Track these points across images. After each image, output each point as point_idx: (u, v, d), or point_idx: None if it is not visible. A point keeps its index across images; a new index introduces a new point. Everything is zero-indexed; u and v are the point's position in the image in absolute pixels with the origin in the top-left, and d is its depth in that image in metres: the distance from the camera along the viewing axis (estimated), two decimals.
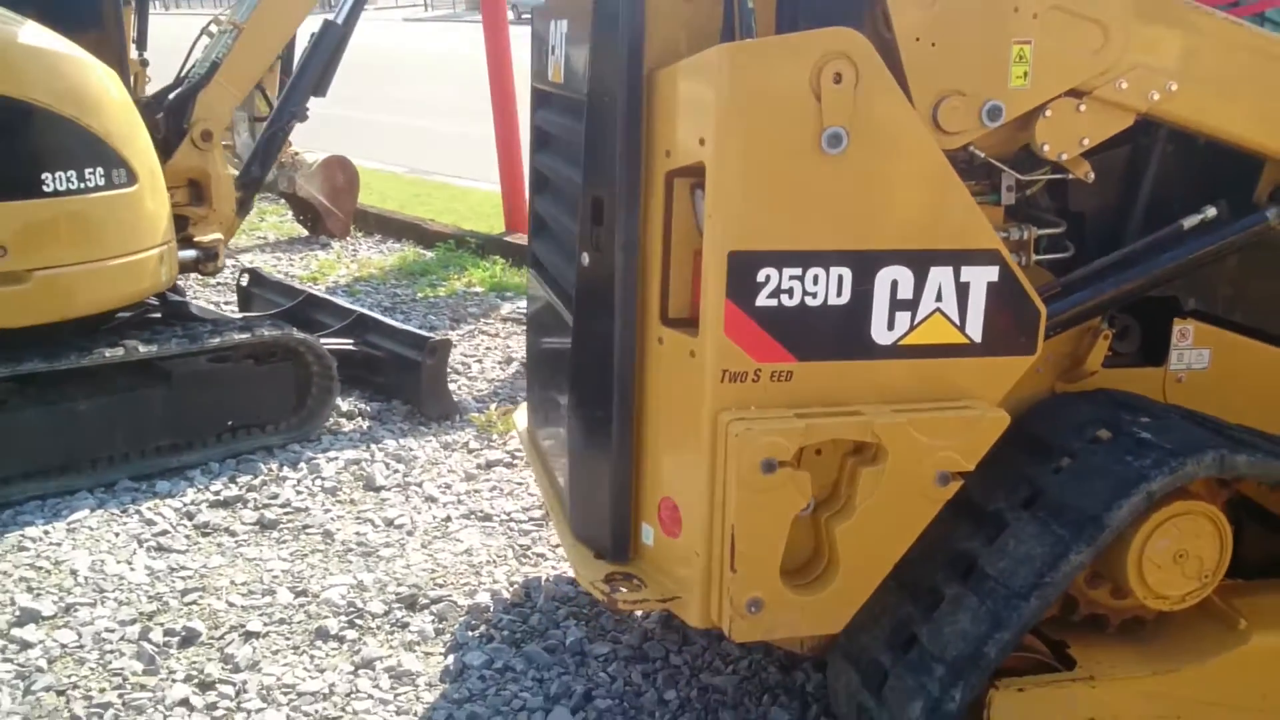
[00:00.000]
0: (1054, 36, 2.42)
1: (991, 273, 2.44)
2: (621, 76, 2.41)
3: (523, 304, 7.59)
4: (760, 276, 2.33)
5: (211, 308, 6.28)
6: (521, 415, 3.74)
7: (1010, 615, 2.40)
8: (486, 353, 6.62)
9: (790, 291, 2.35)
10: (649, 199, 2.48)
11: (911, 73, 2.36)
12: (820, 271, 2.35)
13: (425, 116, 16.55)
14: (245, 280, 6.87)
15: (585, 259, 2.63)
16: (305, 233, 9.91)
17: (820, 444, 2.41)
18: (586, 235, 2.60)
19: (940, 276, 2.42)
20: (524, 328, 7.11)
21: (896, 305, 2.41)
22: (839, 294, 2.38)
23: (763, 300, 2.34)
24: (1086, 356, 2.78)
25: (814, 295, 2.36)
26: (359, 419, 5.47)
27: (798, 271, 2.34)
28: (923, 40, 2.36)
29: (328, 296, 6.41)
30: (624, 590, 2.64)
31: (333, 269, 8.81)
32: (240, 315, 5.50)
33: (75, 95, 4.38)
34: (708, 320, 2.36)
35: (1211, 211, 2.71)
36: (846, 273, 2.36)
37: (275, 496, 4.60)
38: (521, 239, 9.05)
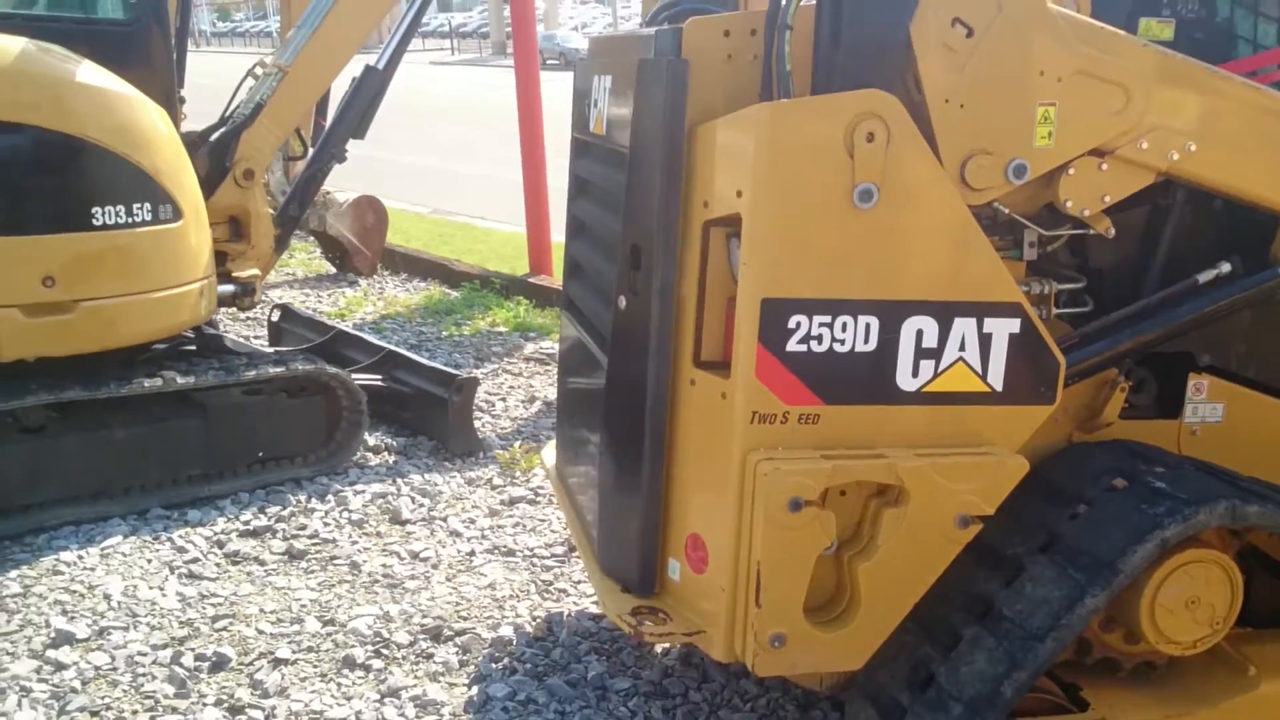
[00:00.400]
0: (1077, 99, 2.54)
1: (1013, 325, 2.54)
2: (664, 130, 2.54)
3: (546, 344, 7.72)
4: (791, 323, 2.44)
5: (243, 341, 6.41)
6: (549, 452, 3.83)
7: (1026, 656, 2.48)
8: (510, 391, 6.73)
9: (820, 338, 2.46)
10: (686, 247, 2.60)
11: (941, 132, 2.48)
12: (849, 319, 2.46)
13: (450, 158, 16.81)
14: (276, 315, 7.02)
15: (622, 302, 2.74)
16: (333, 270, 10.08)
17: (845, 485, 2.51)
18: (625, 280, 2.71)
19: (964, 327, 2.52)
20: (547, 367, 7.25)
21: (921, 353, 2.51)
22: (866, 341, 2.48)
23: (793, 345, 2.45)
24: (1104, 408, 2.87)
25: (842, 342, 2.47)
26: (385, 454, 5.58)
27: (827, 319, 2.45)
28: (952, 102, 2.48)
29: (357, 333, 6.55)
30: (649, 623, 2.72)
31: (360, 306, 8.96)
32: (273, 349, 5.63)
33: (127, 132, 4.55)
34: (740, 363, 2.47)
35: (1226, 267, 2.81)
36: (874, 321, 2.47)
37: (304, 527, 4.70)
38: (545, 281, 9.20)
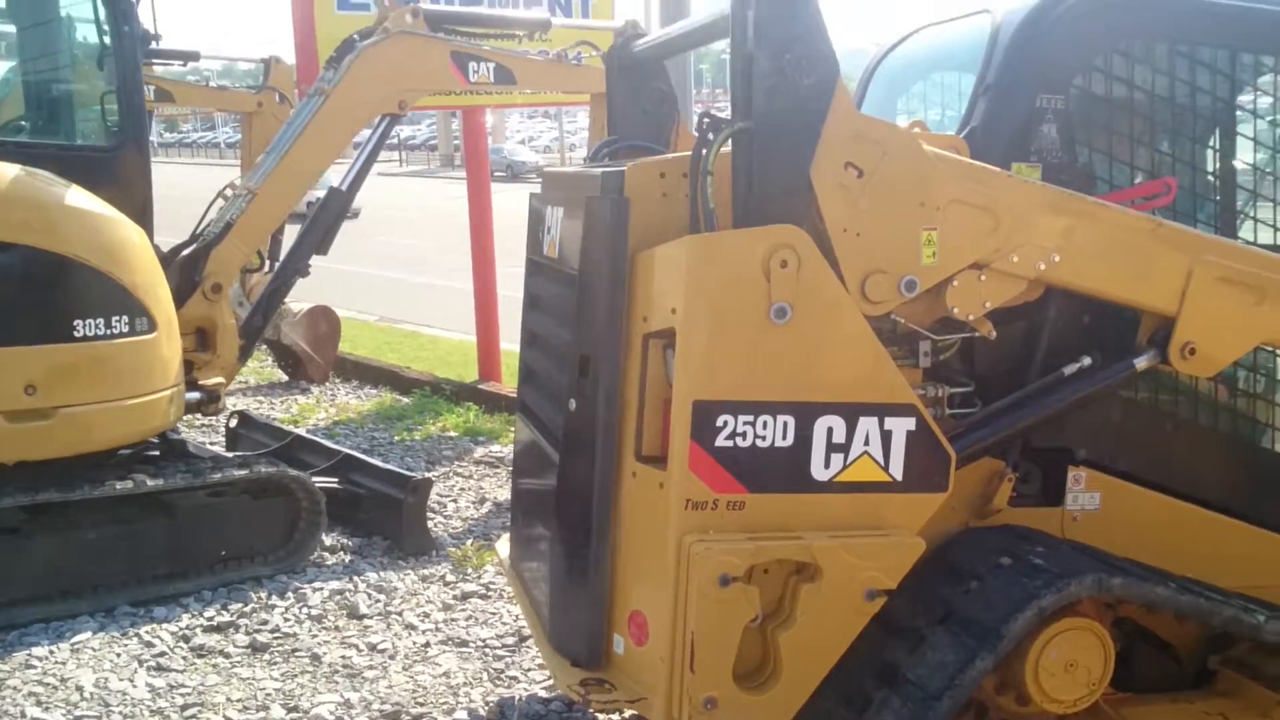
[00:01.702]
0: (955, 223, 2.96)
1: (910, 423, 2.94)
2: (609, 257, 2.95)
3: (495, 448, 8.05)
4: (720, 421, 2.82)
5: (204, 446, 6.67)
6: (504, 545, 4.15)
7: (928, 714, 2.83)
8: (461, 493, 7.03)
9: (744, 434, 2.84)
10: (628, 356, 2.99)
11: (842, 257, 2.90)
12: (769, 418, 2.85)
13: (397, 268, 17.22)
14: (234, 421, 7.30)
15: (573, 404, 3.12)
16: (285, 378, 10.36)
17: (767, 563, 2.86)
18: (575, 385, 3.09)
19: (868, 425, 2.91)
20: (496, 470, 7.57)
21: (832, 448, 2.89)
22: (784, 437, 2.86)
23: (721, 441, 2.82)
24: (994, 497, 3.27)
25: (764, 438, 2.85)
26: (342, 553, 5.83)
27: (750, 418, 2.84)
28: (849, 231, 2.91)
29: (314, 438, 6.84)
30: (596, 693, 3.04)
31: (312, 412, 9.24)
32: (234, 454, 5.90)
33: (109, 251, 4.89)
34: (675, 457, 2.84)
35: (1087, 360, 3.22)
36: (791, 420, 2.86)
37: (265, 622, 4.94)
38: (495, 387, 9.56)
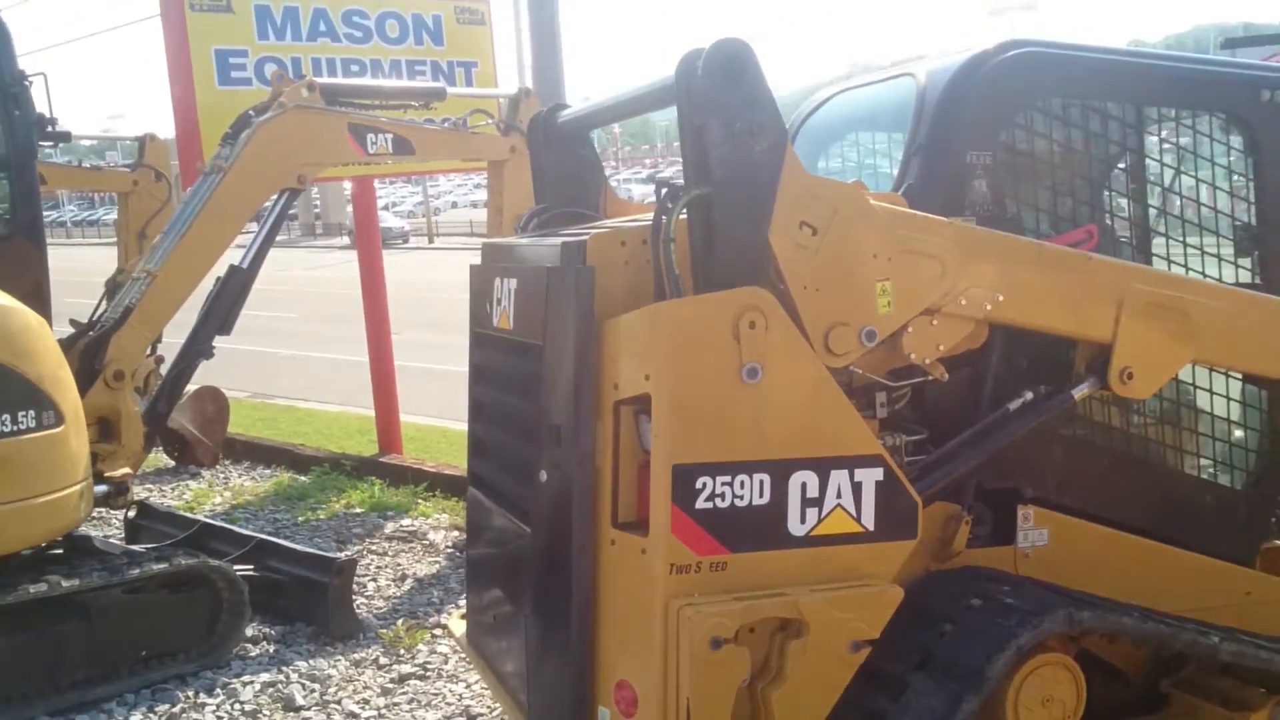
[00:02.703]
0: (905, 273, 3.08)
1: (878, 473, 3.02)
2: (576, 327, 2.96)
3: (405, 522, 7.89)
4: (699, 484, 2.84)
5: (110, 541, 6.36)
6: (456, 624, 4.07)
7: None
8: (379, 571, 6.85)
9: (723, 495, 2.87)
10: (600, 424, 2.99)
11: (804, 312, 2.97)
12: (746, 477, 2.88)
13: (262, 341, 16.76)
14: (133, 512, 6.98)
15: (543, 476, 3.10)
16: (172, 463, 9.97)
17: (754, 622, 2.89)
18: (546, 456, 3.08)
19: (839, 478, 2.98)
20: (410, 545, 7.42)
21: (807, 503, 2.95)
22: (761, 495, 2.90)
23: (701, 503, 2.85)
24: (953, 539, 3.37)
25: (741, 497, 2.89)
26: (265, 642, 5.62)
27: (728, 478, 2.87)
28: (809, 287, 2.99)
29: (222, 524, 6.60)
30: None
31: (207, 498, 8.91)
32: (148, 547, 5.65)
33: (10, 342, 4.66)
34: (657, 522, 2.85)
35: (1029, 395, 3.37)
36: (766, 478, 2.90)
37: None
38: (398, 460, 9.38)
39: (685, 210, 2.91)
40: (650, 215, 3.01)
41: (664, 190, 2.95)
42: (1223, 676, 3.54)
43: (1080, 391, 3.37)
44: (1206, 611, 3.54)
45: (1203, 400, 3.78)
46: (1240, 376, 3.78)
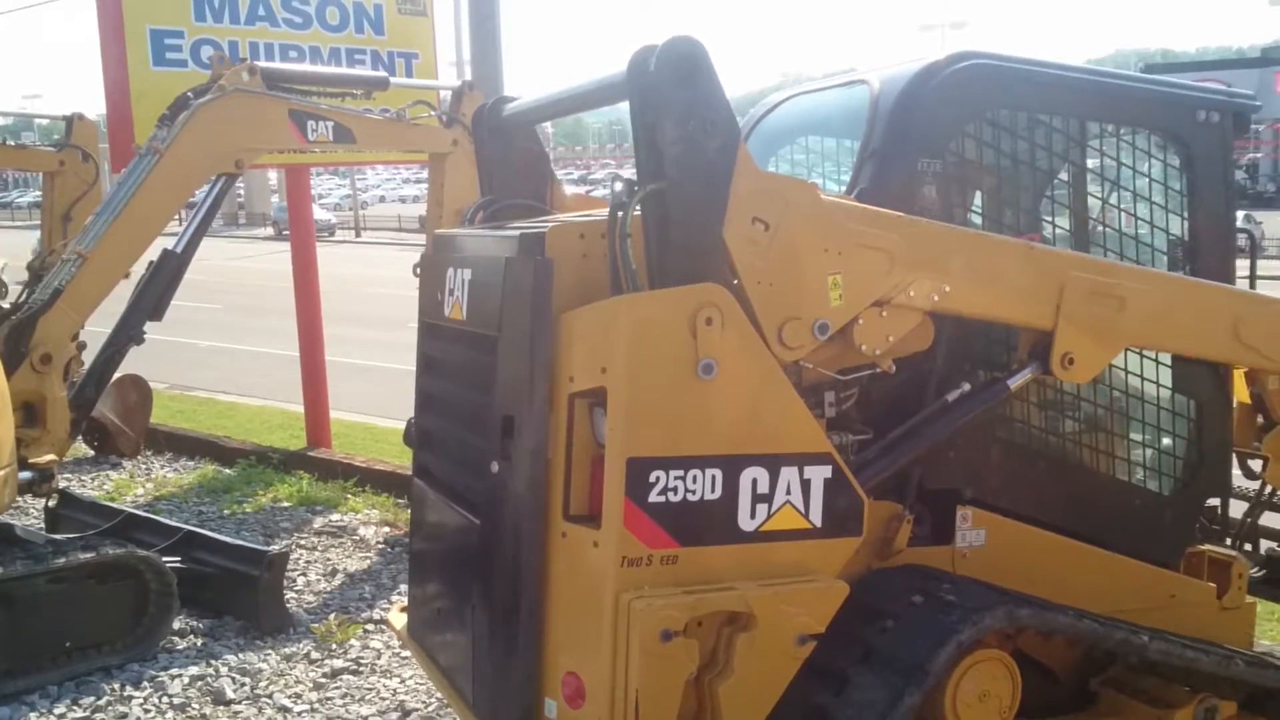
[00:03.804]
0: (855, 266, 3.12)
1: (826, 471, 3.06)
2: (531, 318, 2.96)
3: (335, 517, 7.80)
4: (652, 477, 2.86)
5: (33, 530, 6.19)
6: (397, 616, 4.04)
7: None
8: (308, 565, 6.76)
9: (675, 489, 2.89)
10: (553, 416, 3.00)
11: (759, 307, 3.00)
12: (699, 472, 2.91)
13: (183, 331, 16.41)
14: (54, 501, 6.79)
15: (495, 467, 3.09)
16: (92, 453, 9.72)
17: (703, 616, 2.91)
18: (498, 447, 3.07)
19: (789, 475, 3.02)
20: (340, 540, 7.33)
21: (757, 498, 2.98)
22: (713, 490, 2.93)
23: (654, 497, 2.87)
24: (895, 538, 3.43)
25: (694, 492, 2.91)
26: (193, 636, 5.52)
27: (681, 472, 2.89)
28: (763, 282, 3.02)
29: (149, 515, 6.46)
30: None
31: (129, 489, 8.71)
32: (72, 536, 5.50)
33: None
34: (609, 515, 2.86)
35: (967, 386, 3.43)
36: (719, 473, 2.93)
37: (124, 716, 4.62)
38: (326, 454, 9.26)
39: (640, 206, 2.92)
40: (603, 211, 3.02)
41: (619, 185, 2.96)
42: (1148, 675, 3.66)
43: (1017, 381, 3.43)
44: (1133, 613, 3.65)
45: (1133, 409, 3.90)
46: (1170, 386, 3.91)
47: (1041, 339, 3.40)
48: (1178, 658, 3.47)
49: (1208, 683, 3.62)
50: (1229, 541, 4.34)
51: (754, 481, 2.98)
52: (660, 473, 2.87)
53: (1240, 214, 15.00)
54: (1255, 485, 4.41)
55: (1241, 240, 4.28)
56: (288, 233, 10.40)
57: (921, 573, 3.39)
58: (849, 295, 3.12)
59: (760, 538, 2.99)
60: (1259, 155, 50.57)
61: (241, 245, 38.58)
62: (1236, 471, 4.27)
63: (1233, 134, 3.93)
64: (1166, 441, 3.99)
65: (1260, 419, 4.22)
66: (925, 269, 3.22)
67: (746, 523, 2.98)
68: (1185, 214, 3.88)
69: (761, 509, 3.00)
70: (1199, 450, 3.99)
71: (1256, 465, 4.34)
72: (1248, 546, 4.42)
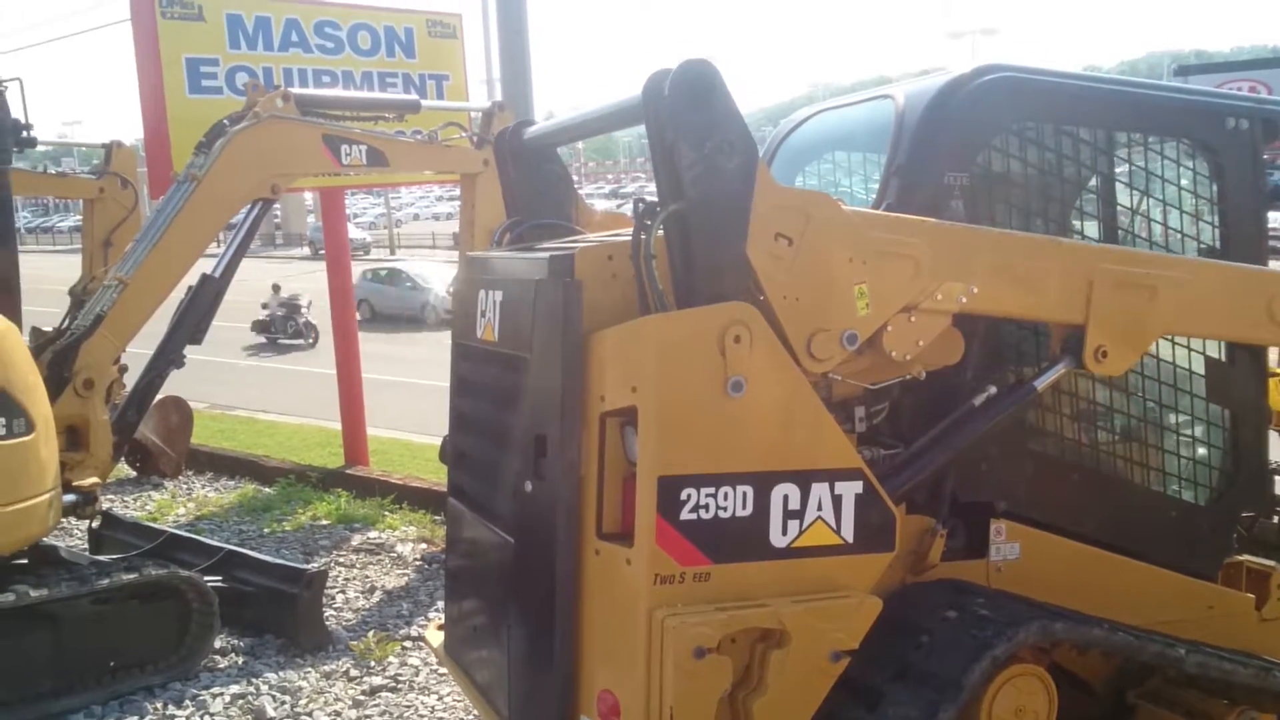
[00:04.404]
0: (881, 274, 3.12)
1: (858, 486, 3.07)
2: (563, 339, 2.99)
3: (373, 534, 7.87)
4: (683, 495, 2.88)
5: (76, 551, 6.30)
6: (434, 635, 4.08)
7: None
8: (347, 583, 6.83)
9: (707, 507, 2.91)
10: (586, 435, 3.03)
11: (786, 322, 3.02)
12: (730, 489, 2.93)
13: (219, 350, 16.63)
14: (98, 522, 6.91)
15: (528, 486, 3.13)
16: (134, 474, 9.87)
17: (737, 632, 2.93)
18: (531, 467, 3.11)
19: (820, 491, 3.03)
20: (378, 557, 7.40)
21: (788, 515, 3.00)
22: (744, 507, 2.95)
23: (686, 515, 2.89)
24: (928, 553, 3.43)
25: (725, 509, 2.93)
26: (233, 654, 5.59)
27: (712, 490, 2.91)
28: (789, 297, 3.03)
29: (190, 535, 6.55)
30: None
31: (170, 509, 8.83)
32: (116, 557, 5.60)
33: None
34: (642, 533, 2.88)
35: (993, 389, 3.42)
36: (750, 490, 2.95)
37: None
38: (364, 472, 9.35)
39: (663, 227, 2.95)
40: (630, 230, 3.05)
41: (641, 207, 2.99)
42: (1186, 688, 3.63)
43: (1045, 380, 3.41)
44: (1170, 625, 3.63)
45: (1168, 419, 3.88)
46: (1205, 396, 3.89)
47: (1073, 334, 3.38)
48: (1216, 670, 3.45)
49: (1247, 695, 3.58)
50: (1276, 519, 4.30)
51: (785, 498, 2.99)
52: (692, 490, 2.89)
53: (1275, 215, 14.79)
54: None
55: (1276, 244, 4.25)
56: (324, 252, 10.52)
57: (955, 587, 3.39)
58: (876, 304, 3.13)
59: (792, 554, 3.01)
60: None
61: (279, 265, 38.99)
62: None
63: (1263, 140, 3.91)
64: (1202, 452, 3.96)
65: None
66: (951, 271, 3.22)
67: (778, 539, 2.99)
68: (1216, 222, 3.86)
69: (793, 525, 3.01)
70: (1235, 460, 3.96)
71: None
72: None
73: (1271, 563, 4.14)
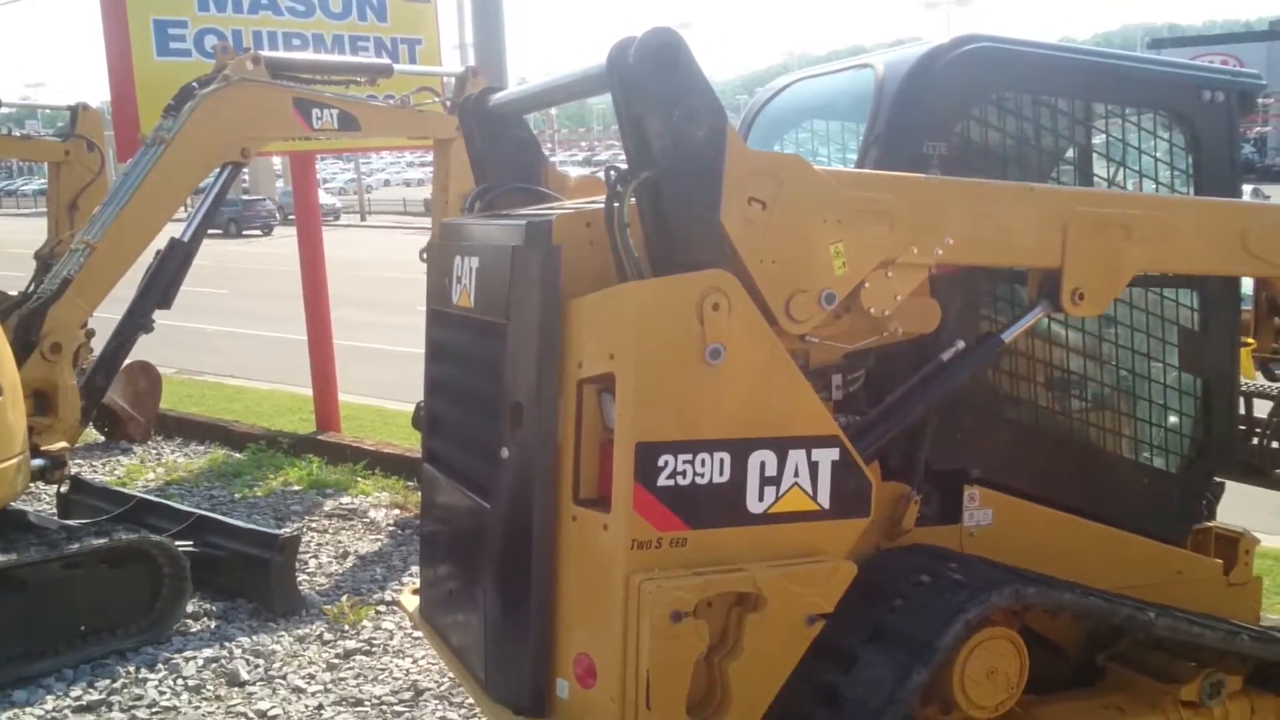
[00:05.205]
0: (856, 232, 3.11)
1: (834, 453, 3.09)
2: (541, 306, 2.98)
3: (345, 500, 7.85)
4: (660, 462, 2.89)
5: (45, 516, 6.24)
6: (409, 599, 4.08)
7: None
8: (320, 548, 6.82)
9: (684, 473, 2.92)
10: (563, 402, 3.03)
11: (764, 286, 3.01)
12: (707, 456, 2.94)
13: (187, 316, 16.45)
14: (66, 487, 6.85)
15: (505, 453, 3.12)
16: (102, 438, 9.79)
17: (712, 597, 2.95)
18: (507, 433, 3.10)
19: (796, 458, 3.04)
20: (350, 523, 7.39)
21: (765, 481, 3.01)
22: (721, 474, 2.96)
23: (663, 481, 2.89)
24: (902, 519, 3.46)
25: (702, 475, 2.94)
26: (206, 619, 5.58)
27: (689, 456, 2.92)
28: (765, 261, 3.02)
29: (161, 500, 6.51)
30: None
31: (140, 474, 8.77)
32: (86, 522, 5.56)
33: None
34: (619, 499, 2.89)
35: (961, 343, 3.40)
36: (727, 456, 2.96)
37: (140, 698, 4.68)
38: (336, 438, 9.31)
39: (634, 195, 2.92)
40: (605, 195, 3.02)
41: (613, 174, 2.96)
42: (1155, 650, 3.69)
43: (1013, 331, 3.42)
44: (1140, 589, 3.68)
45: (1140, 387, 3.92)
46: (1176, 364, 3.93)
47: (1049, 278, 3.38)
48: (1184, 633, 3.50)
49: (1214, 657, 3.65)
50: (1255, 441, 4.38)
51: (762, 464, 3.00)
52: (669, 457, 2.90)
53: (1248, 188, 14.97)
54: (1278, 387, 4.43)
55: None
56: (293, 218, 10.43)
57: (929, 552, 3.42)
58: (853, 262, 3.12)
59: (769, 520, 3.02)
60: (1267, 129, 50.30)
61: (247, 230, 38.65)
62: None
63: (1239, 113, 3.93)
64: (1174, 419, 4.01)
65: (1278, 321, 4.25)
66: (926, 224, 3.21)
67: (755, 505, 3.00)
68: (1191, 193, 3.89)
69: (770, 491, 3.02)
70: (1205, 427, 4.01)
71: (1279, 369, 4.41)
72: (1275, 444, 4.42)
73: (1239, 528, 4.21)
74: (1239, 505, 4.46)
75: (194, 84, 6.30)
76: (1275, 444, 4.41)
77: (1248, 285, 4.18)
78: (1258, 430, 4.39)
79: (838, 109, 4.04)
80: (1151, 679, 3.62)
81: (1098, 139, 3.85)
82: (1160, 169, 3.86)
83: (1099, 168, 3.83)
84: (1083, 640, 3.80)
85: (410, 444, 8.59)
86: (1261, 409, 4.42)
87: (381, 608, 5.71)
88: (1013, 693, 3.25)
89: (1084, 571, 3.61)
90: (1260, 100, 4.18)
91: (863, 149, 3.58)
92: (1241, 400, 4.28)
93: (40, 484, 7.33)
